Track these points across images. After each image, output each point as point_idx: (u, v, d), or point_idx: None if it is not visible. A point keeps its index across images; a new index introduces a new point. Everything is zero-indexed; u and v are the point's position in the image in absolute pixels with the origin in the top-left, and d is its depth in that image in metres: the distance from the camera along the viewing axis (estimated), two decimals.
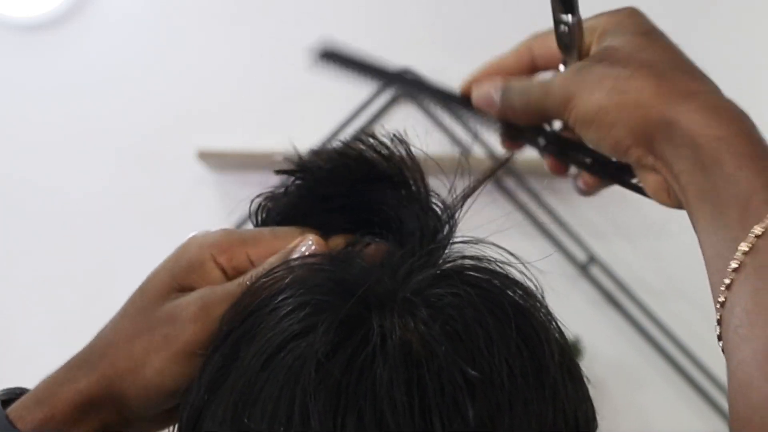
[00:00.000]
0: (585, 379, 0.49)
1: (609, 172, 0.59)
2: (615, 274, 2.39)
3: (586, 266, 2.37)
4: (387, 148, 0.53)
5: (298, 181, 0.54)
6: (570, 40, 0.58)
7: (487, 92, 0.59)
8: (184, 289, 0.52)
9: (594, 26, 0.58)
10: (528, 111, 0.58)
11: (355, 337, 0.44)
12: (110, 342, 0.52)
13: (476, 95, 0.60)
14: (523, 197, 2.34)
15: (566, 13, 0.57)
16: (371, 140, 0.53)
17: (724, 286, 0.46)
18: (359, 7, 2.48)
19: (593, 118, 0.54)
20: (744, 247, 0.45)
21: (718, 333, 0.47)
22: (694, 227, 0.51)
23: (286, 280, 0.48)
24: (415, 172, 0.54)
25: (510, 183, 2.32)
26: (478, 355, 0.44)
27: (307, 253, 0.51)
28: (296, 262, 0.50)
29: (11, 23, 2.47)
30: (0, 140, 2.47)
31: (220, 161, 2.35)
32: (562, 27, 0.57)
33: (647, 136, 0.52)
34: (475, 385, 0.43)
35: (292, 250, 0.51)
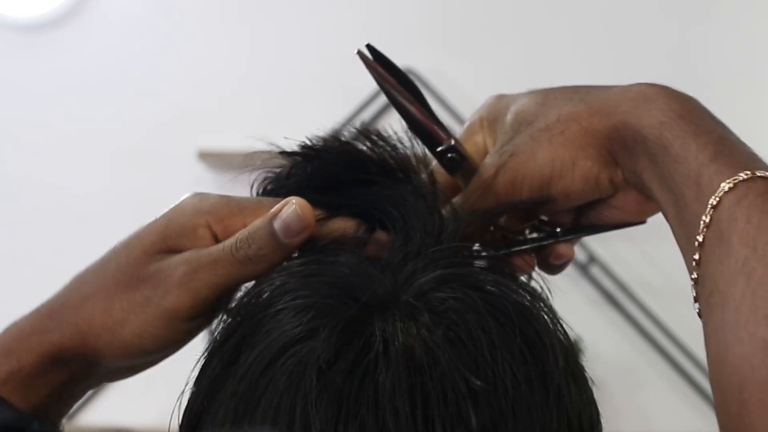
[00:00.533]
0: (589, 382, 0.49)
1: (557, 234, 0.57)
2: (615, 274, 2.39)
3: (586, 266, 2.37)
4: (393, 145, 0.53)
5: (302, 164, 0.53)
6: (461, 160, 0.55)
7: None
8: (172, 251, 0.51)
9: (473, 127, 0.57)
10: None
11: (357, 343, 0.44)
12: (87, 295, 0.51)
13: None
14: None
15: (436, 147, 0.55)
16: (377, 136, 0.53)
17: (694, 262, 0.46)
18: (359, 8, 2.47)
19: (550, 173, 0.52)
20: (705, 219, 0.45)
21: (697, 311, 0.47)
22: (667, 221, 0.50)
23: (288, 285, 0.47)
24: (422, 171, 0.53)
25: None
26: (482, 361, 0.43)
27: (289, 221, 0.49)
28: (295, 268, 0.49)
29: (11, 23, 2.47)
30: (0, 140, 2.47)
31: (220, 161, 2.34)
32: (448, 156, 0.55)
33: (606, 153, 0.52)
34: (479, 392, 0.42)
35: (275, 214, 0.50)
